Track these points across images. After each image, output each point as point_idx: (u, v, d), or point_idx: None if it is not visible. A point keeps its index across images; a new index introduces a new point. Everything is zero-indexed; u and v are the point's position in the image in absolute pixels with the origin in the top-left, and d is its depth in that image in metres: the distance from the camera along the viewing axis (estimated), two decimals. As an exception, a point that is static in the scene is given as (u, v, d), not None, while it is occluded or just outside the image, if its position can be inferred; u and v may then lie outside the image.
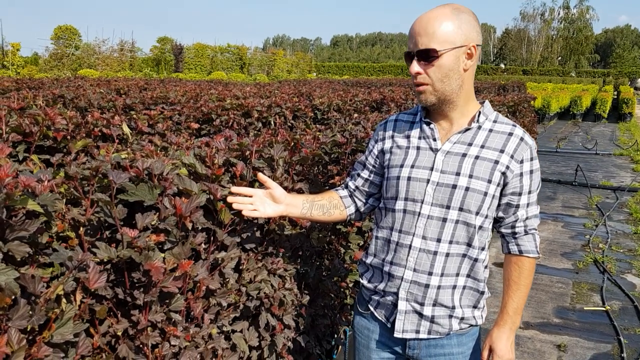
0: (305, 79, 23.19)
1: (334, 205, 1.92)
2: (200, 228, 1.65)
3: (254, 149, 2.02)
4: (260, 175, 1.77)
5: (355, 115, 3.88)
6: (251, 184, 1.99)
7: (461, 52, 1.57)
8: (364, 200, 1.94)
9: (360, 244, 2.68)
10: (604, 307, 4.48)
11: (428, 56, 1.56)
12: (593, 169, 11.06)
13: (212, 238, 1.72)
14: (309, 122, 4.31)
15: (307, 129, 3.32)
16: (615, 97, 29.08)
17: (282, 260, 2.07)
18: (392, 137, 1.81)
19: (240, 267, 1.90)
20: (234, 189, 1.71)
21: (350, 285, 2.73)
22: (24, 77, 8.35)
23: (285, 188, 2.12)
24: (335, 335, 2.73)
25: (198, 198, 1.57)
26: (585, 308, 4.49)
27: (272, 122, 3.87)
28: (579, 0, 63.92)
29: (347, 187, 1.96)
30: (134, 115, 2.84)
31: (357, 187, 1.93)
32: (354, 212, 1.96)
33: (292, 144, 2.37)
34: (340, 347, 2.85)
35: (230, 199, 1.70)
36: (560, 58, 64.53)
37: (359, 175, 1.92)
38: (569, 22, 64.52)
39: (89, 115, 2.46)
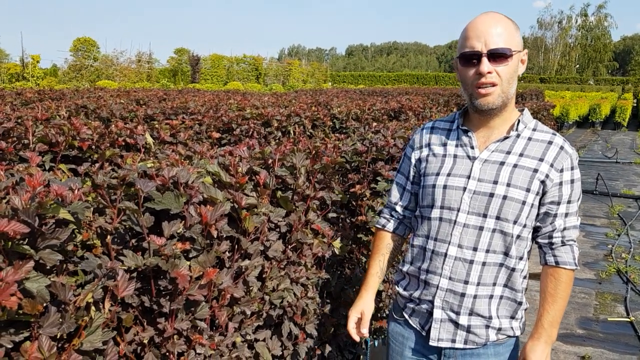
0: (320, 88, 23.25)
1: (394, 249, 1.95)
2: (224, 236, 1.66)
3: (276, 158, 2.03)
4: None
5: (375, 124, 3.88)
6: (274, 192, 2.00)
7: (520, 57, 1.60)
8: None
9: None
10: (629, 318, 4.40)
11: (502, 56, 1.55)
12: (614, 178, 10.91)
13: (236, 246, 1.73)
14: (328, 131, 4.32)
15: (326, 138, 3.33)
16: (635, 104, 28.73)
17: (304, 269, 2.07)
18: (429, 144, 1.79)
19: (264, 276, 1.90)
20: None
21: (372, 294, 2.72)
22: (44, 89, 8.50)
23: (307, 196, 2.13)
24: (357, 345, 2.71)
25: (223, 206, 1.58)
26: (609, 319, 4.41)
27: (292, 131, 3.88)
28: (597, 8, 63.40)
29: (393, 213, 1.93)
30: (156, 125, 2.87)
31: (405, 208, 1.90)
32: (410, 232, 1.96)
33: (314, 152, 2.37)
34: (361, 356, 2.84)
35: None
36: (578, 66, 63.99)
37: (402, 194, 1.89)
38: (587, 30, 64.00)
39: (113, 125, 2.49)
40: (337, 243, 2.27)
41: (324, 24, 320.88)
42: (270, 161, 2.03)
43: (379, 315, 2.85)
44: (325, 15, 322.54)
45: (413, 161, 1.84)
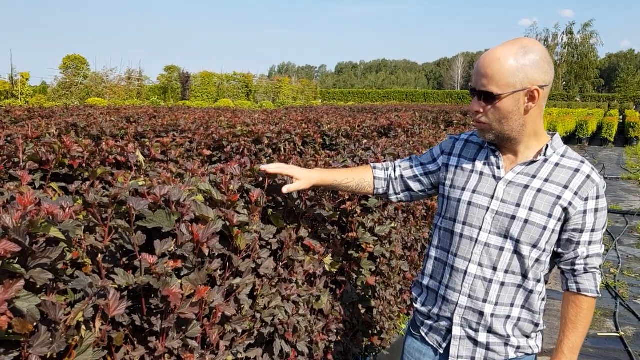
0: (310, 105, 23.35)
1: (361, 187, 1.98)
2: (216, 254, 1.66)
3: (266, 176, 2.04)
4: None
5: (365, 141, 3.91)
6: (264, 210, 2.00)
7: (522, 95, 1.54)
8: (399, 190, 1.97)
9: (372, 270, 2.67)
10: (618, 333, 4.42)
11: (487, 98, 1.56)
12: (601, 193, 10.98)
13: (227, 264, 1.73)
14: (318, 148, 4.33)
15: (316, 155, 3.34)
16: (621, 121, 29.08)
17: (296, 286, 2.07)
18: (459, 156, 1.82)
19: (255, 294, 1.89)
20: (271, 169, 1.88)
21: (363, 311, 2.71)
22: (34, 106, 8.46)
23: (299, 213, 2.13)
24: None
25: (214, 224, 1.58)
26: (598, 334, 4.43)
27: (282, 149, 3.90)
28: (583, 26, 64.27)
29: (389, 169, 1.99)
30: (147, 143, 2.87)
31: (402, 176, 1.95)
32: (382, 193, 2.00)
33: (305, 170, 2.38)
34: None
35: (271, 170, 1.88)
36: (564, 83, 64.68)
37: (411, 167, 1.94)
38: (572, 48, 64.77)
39: (104, 143, 2.49)
40: (327, 259, 2.27)
41: (314, 41, 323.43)
42: (261, 179, 2.04)
43: (370, 332, 2.84)
44: (315, 33, 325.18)
45: (440, 163, 1.87)
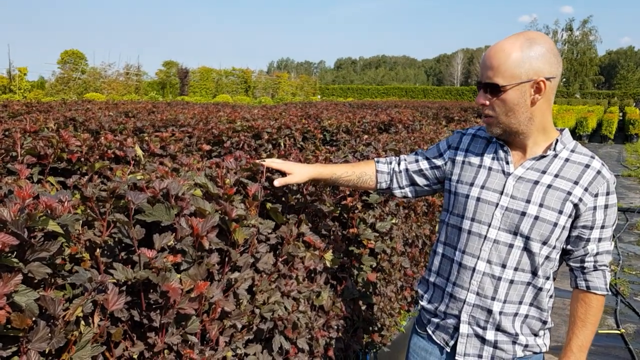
0: (310, 101, 23.31)
1: (362, 181, 1.96)
2: (213, 248, 1.64)
3: (264, 169, 2.02)
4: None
5: (365, 136, 3.89)
6: (262, 204, 1.98)
7: (527, 87, 1.53)
8: (404, 185, 1.94)
9: (373, 266, 2.66)
10: (619, 330, 4.42)
11: (492, 90, 1.54)
12: (601, 190, 10.96)
13: (226, 259, 1.71)
14: (318, 144, 4.32)
15: (317, 150, 3.33)
16: (621, 118, 29.08)
17: (296, 282, 2.05)
18: (466, 151, 1.79)
19: (254, 289, 1.88)
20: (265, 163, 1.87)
21: (364, 308, 2.70)
22: (32, 101, 8.42)
23: (299, 208, 2.12)
24: None
25: (213, 217, 1.57)
26: (599, 331, 4.42)
27: (282, 144, 3.88)
28: (582, 23, 64.18)
29: (393, 162, 1.96)
30: (146, 138, 2.85)
31: (407, 170, 1.93)
32: (385, 188, 1.97)
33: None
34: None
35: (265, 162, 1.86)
36: (564, 80, 64.61)
37: (417, 161, 1.92)
38: (572, 44, 64.68)
39: (102, 138, 2.47)
40: (328, 255, 2.26)
41: (313, 37, 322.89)
42: (259, 174, 2.02)
43: (370, 328, 2.83)
44: (314, 28, 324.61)
45: (446, 158, 1.85)
